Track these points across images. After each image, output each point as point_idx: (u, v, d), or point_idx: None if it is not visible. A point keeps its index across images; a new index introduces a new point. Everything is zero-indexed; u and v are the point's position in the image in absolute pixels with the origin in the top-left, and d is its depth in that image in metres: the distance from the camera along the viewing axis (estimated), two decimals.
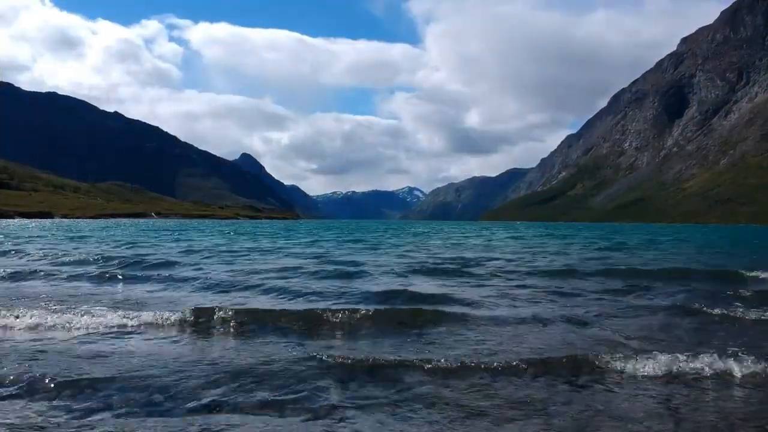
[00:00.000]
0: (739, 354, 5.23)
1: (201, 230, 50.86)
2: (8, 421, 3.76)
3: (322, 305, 8.35)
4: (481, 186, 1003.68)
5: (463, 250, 22.69)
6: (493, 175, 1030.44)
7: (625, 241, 34.50)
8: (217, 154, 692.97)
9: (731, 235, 54.44)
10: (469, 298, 9.27)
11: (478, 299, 9.15)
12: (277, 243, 27.94)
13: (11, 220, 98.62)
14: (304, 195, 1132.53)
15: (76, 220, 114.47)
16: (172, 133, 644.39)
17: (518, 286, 10.89)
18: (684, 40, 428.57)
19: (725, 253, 24.80)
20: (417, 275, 12.91)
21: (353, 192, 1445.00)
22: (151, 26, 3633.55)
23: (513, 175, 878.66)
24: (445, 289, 10.43)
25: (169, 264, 14.62)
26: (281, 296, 9.47)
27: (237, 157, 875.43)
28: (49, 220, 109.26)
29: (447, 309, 8.04)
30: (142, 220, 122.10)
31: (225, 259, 16.63)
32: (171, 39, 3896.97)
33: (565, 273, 13.42)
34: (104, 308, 7.65)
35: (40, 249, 19.29)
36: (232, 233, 43.10)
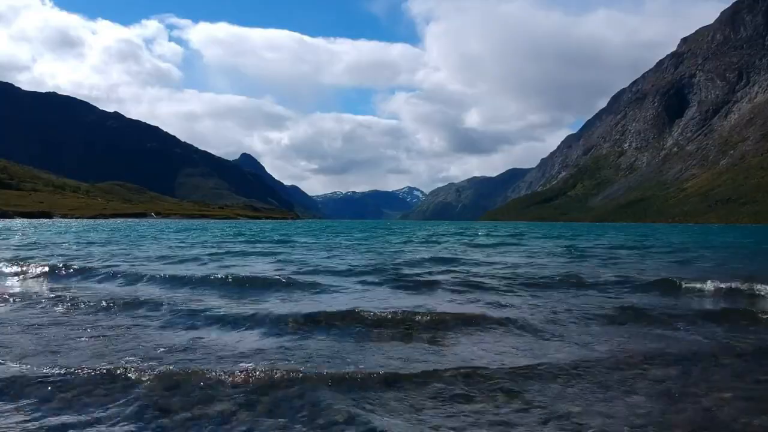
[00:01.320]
0: None
1: (187, 231, 50.74)
2: None
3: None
4: (481, 186, 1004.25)
5: (467, 252, 21.81)
6: (493, 175, 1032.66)
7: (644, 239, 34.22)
8: (217, 154, 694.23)
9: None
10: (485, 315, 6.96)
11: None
12: (243, 245, 24.19)
13: (10, 220, 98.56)
14: (304, 195, 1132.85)
15: (76, 220, 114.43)
16: (172, 133, 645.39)
17: (531, 305, 8.22)
18: (684, 40, 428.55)
19: None
20: (381, 286, 10.36)
21: (353, 192, 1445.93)
22: (151, 26, 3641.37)
23: (513, 175, 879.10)
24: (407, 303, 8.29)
25: (82, 270, 12.24)
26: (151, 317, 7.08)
27: (237, 157, 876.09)
28: (49, 220, 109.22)
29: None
30: (141, 221, 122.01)
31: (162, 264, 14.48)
32: (171, 39, 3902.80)
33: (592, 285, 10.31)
34: None
35: None
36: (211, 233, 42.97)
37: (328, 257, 17.34)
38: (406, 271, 12.67)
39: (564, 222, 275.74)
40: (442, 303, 8.41)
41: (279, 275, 11.19)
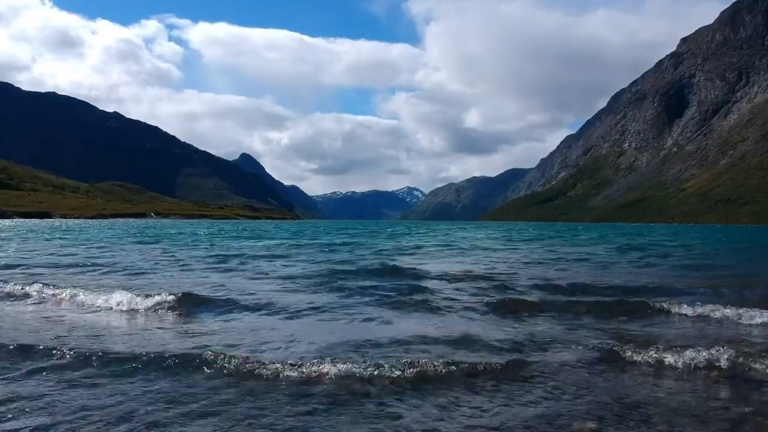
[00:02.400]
0: None
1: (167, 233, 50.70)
2: None
3: None
4: (480, 186, 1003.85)
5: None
6: (493, 175, 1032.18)
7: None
8: (217, 154, 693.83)
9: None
10: None
11: None
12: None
13: (8, 220, 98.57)
14: (304, 195, 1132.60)
15: (75, 220, 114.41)
16: (172, 133, 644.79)
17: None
18: (684, 40, 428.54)
19: None
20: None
21: (353, 192, 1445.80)
22: (151, 26, 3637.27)
23: (513, 176, 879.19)
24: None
25: None
26: None
27: (237, 157, 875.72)
28: (48, 220, 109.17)
29: None
30: (141, 221, 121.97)
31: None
32: (171, 39, 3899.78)
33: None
34: None
35: None
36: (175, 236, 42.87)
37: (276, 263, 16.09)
38: (362, 282, 11.06)
39: (564, 222, 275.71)
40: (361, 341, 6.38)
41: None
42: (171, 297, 8.46)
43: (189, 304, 8.37)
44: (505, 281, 11.76)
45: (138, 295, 8.54)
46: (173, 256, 18.29)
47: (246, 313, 8.01)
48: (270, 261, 16.71)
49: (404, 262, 16.75)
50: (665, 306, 8.51)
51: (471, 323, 7.61)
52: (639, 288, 11.20)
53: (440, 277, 12.67)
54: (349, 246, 25.63)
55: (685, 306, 8.49)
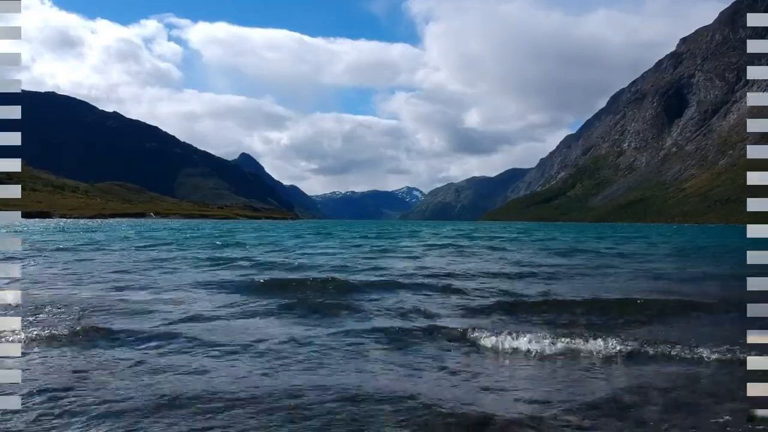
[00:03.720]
0: None
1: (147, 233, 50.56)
2: None
3: None
4: (480, 186, 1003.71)
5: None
6: (493, 175, 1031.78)
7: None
8: (217, 154, 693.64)
9: None
10: None
11: None
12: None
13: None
14: (304, 195, 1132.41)
15: (75, 220, 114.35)
16: (171, 133, 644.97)
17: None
18: (683, 41, 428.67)
19: None
20: None
21: (353, 192, 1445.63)
22: (150, 26, 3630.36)
23: (512, 176, 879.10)
24: None
25: None
26: None
27: (237, 157, 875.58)
28: (48, 220, 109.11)
29: None
30: (140, 220, 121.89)
31: None
32: (170, 39, 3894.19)
33: None
34: None
35: None
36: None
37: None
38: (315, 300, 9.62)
39: (563, 222, 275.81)
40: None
41: None
42: None
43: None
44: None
45: None
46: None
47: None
48: (202, 268, 15.07)
49: (358, 268, 15.21)
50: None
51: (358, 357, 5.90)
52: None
53: (375, 286, 11.19)
54: (302, 249, 23.75)
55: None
